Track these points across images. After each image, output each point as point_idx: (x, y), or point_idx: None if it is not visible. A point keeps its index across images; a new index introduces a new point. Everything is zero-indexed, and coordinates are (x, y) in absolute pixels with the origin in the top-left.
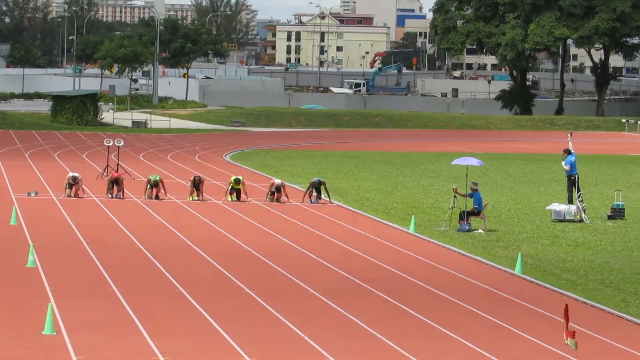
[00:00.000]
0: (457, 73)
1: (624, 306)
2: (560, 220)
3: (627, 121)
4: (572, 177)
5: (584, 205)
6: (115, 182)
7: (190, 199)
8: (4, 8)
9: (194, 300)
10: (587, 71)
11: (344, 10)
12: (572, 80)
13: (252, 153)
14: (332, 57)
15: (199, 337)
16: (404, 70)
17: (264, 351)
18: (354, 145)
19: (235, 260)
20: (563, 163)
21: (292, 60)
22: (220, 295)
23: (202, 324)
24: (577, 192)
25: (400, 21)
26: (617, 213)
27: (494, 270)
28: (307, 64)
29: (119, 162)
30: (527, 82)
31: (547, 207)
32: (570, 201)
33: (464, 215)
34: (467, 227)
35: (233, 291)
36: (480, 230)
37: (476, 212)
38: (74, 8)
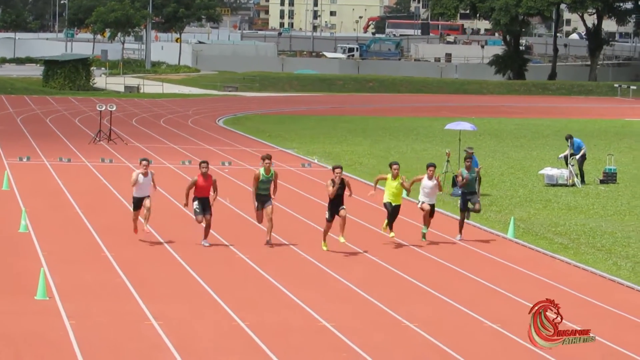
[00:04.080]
0: (450, 37)
1: (615, 269)
2: (553, 185)
3: (620, 86)
4: (583, 154)
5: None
6: None
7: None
8: None
9: (187, 265)
10: (575, 36)
11: None
12: (566, 45)
13: (245, 118)
14: (326, 21)
15: (192, 301)
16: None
17: (258, 315)
18: (347, 110)
19: (226, 225)
20: (568, 149)
21: (286, 25)
22: (214, 260)
23: (195, 289)
24: (570, 157)
25: None
26: (609, 177)
27: (486, 234)
28: (300, 28)
29: (112, 127)
30: (521, 47)
31: (540, 172)
32: (583, 177)
33: (457, 181)
34: (459, 191)
35: (226, 256)
36: None
37: None
38: None
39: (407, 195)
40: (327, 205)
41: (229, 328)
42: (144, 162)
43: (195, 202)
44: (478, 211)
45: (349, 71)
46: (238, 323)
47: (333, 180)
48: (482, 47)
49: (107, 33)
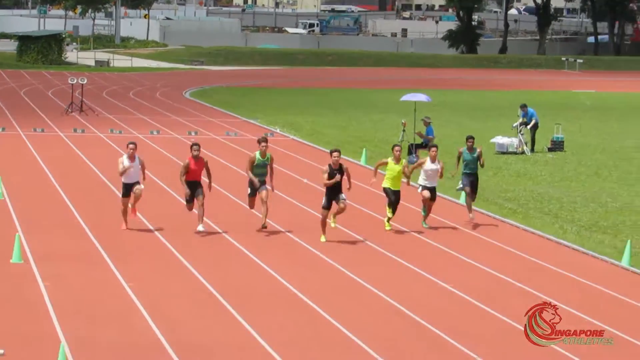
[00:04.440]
0: (406, 14)
1: (562, 233)
2: (503, 153)
3: (567, 59)
4: (535, 123)
5: (524, 137)
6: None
7: None
8: None
9: (159, 234)
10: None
11: None
12: (516, 21)
13: (212, 90)
14: None
15: (163, 267)
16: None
17: (225, 280)
18: (308, 83)
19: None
20: (520, 119)
21: (249, 2)
22: (186, 230)
23: (166, 256)
24: (520, 126)
25: None
26: (556, 145)
27: (441, 199)
28: (263, 5)
29: (83, 100)
30: (473, 23)
31: (492, 140)
32: (534, 145)
33: (413, 148)
34: (415, 160)
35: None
36: None
37: (424, 145)
38: None
39: (408, 183)
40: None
41: (196, 290)
42: (131, 146)
43: (187, 190)
44: (474, 194)
45: (309, 46)
46: (204, 284)
47: (330, 166)
48: (437, 22)
49: (79, 9)
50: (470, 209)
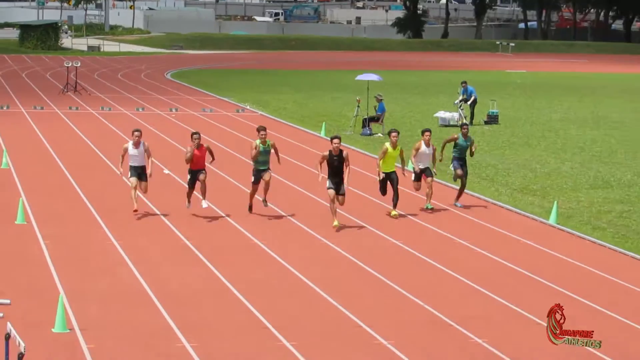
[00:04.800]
0: (359, 3)
1: (497, 195)
2: (446, 125)
3: (501, 43)
4: (474, 99)
5: (464, 112)
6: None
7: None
8: None
9: (149, 202)
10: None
11: None
12: (456, 10)
13: (189, 72)
14: None
15: (152, 231)
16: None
17: (205, 240)
18: (274, 65)
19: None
20: (460, 95)
21: None
22: (172, 195)
23: (155, 221)
24: (460, 102)
25: None
26: (492, 119)
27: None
28: None
29: (77, 81)
30: (418, 11)
31: (435, 115)
32: (472, 118)
33: (366, 122)
34: (368, 132)
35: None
36: (379, 134)
37: (376, 119)
38: None
39: (403, 172)
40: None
41: (177, 247)
42: (136, 133)
43: (189, 177)
44: (461, 175)
45: (275, 32)
46: (185, 243)
47: (330, 152)
48: (387, 11)
49: (72, 1)
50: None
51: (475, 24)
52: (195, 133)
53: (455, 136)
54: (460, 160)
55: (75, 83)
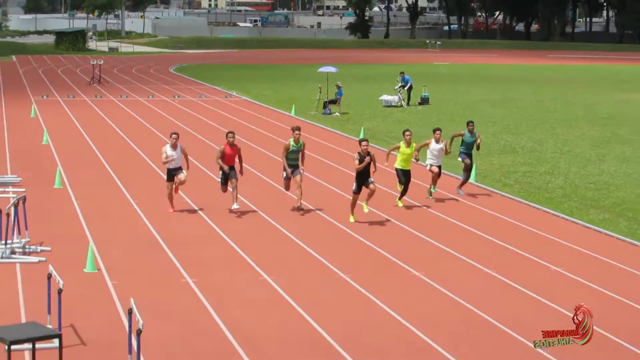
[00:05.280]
0: (320, 12)
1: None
2: (388, 106)
3: (430, 42)
4: (410, 85)
5: (402, 95)
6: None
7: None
8: None
9: (155, 167)
10: (376, 8)
11: None
12: (395, 16)
13: (188, 67)
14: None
15: (160, 189)
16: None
17: (204, 201)
18: (254, 61)
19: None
20: (399, 82)
21: (212, 5)
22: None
23: (162, 181)
24: (399, 88)
25: None
26: (424, 101)
27: (346, 138)
28: (222, 7)
29: (101, 75)
30: (366, 17)
31: (380, 98)
32: (409, 101)
33: (326, 104)
34: (328, 112)
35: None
36: (337, 114)
37: (334, 101)
38: None
39: (417, 161)
40: (354, 177)
41: (180, 204)
42: (174, 136)
43: (221, 173)
44: (470, 165)
45: (254, 35)
46: (187, 201)
47: (360, 154)
48: (341, 17)
49: (96, 13)
50: (461, 185)
51: (410, 27)
52: (230, 132)
53: (462, 132)
54: (467, 155)
55: (99, 77)
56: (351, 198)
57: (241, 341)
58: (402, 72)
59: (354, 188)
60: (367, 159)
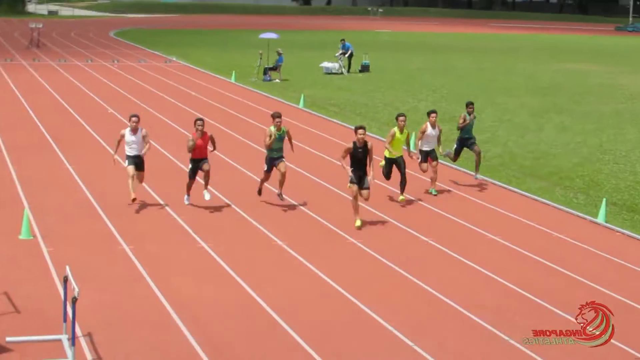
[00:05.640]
0: None
1: (369, 128)
2: (329, 73)
3: (372, 9)
4: (351, 52)
5: (343, 62)
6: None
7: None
8: None
9: (92, 131)
10: None
11: None
12: None
13: (129, 31)
14: None
15: (101, 158)
16: None
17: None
18: (195, 26)
19: (118, 101)
20: (340, 50)
21: None
22: (107, 123)
23: (101, 149)
24: (340, 55)
25: None
26: (364, 68)
27: (287, 105)
28: None
29: (39, 38)
30: None
31: (320, 65)
32: (349, 68)
33: (267, 71)
34: (268, 78)
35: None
36: (277, 80)
37: (274, 68)
38: None
39: (409, 154)
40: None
41: (118, 169)
42: (134, 119)
43: (191, 165)
44: (479, 153)
45: (197, 0)
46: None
47: (355, 143)
48: None
49: None
50: (476, 170)
51: None
52: (199, 119)
53: (465, 116)
54: (469, 139)
55: (37, 40)
56: (351, 194)
57: (177, 309)
58: (343, 39)
59: (350, 178)
60: (370, 146)
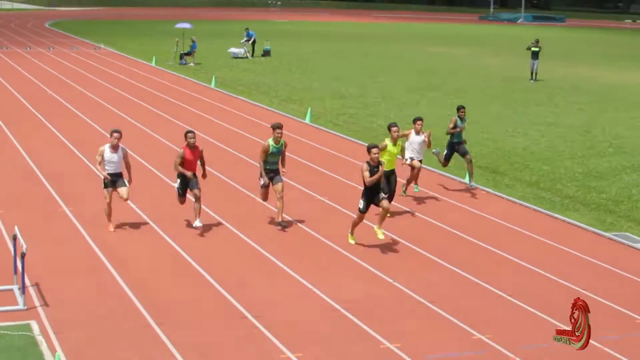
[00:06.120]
0: None
1: (270, 103)
2: (236, 57)
3: (271, 2)
4: (254, 39)
5: (247, 48)
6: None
7: None
8: None
9: (32, 108)
10: None
11: None
12: None
13: (63, 22)
14: None
15: (39, 127)
16: None
17: (68, 131)
18: (120, 17)
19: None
20: (245, 37)
21: None
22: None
23: (37, 120)
24: (245, 41)
25: None
26: (266, 53)
27: (201, 85)
28: None
29: None
30: None
31: (228, 50)
32: (253, 53)
33: (182, 56)
34: (184, 62)
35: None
36: (192, 64)
37: (189, 53)
38: None
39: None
40: (362, 192)
41: (52, 137)
42: (116, 134)
43: (179, 181)
44: (470, 161)
45: None
46: (50, 128)
47: (369, 163)
48: None
49: None
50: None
51: None
52: (190, 132)
53: (455, 120)
54: (460, 143)
55: None
56: (355, 217)
57: (112, 260)
58: (247, 28)
59: (360, 206)
60: (381, 169)
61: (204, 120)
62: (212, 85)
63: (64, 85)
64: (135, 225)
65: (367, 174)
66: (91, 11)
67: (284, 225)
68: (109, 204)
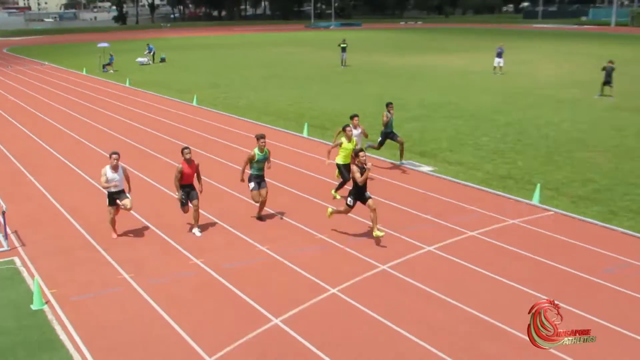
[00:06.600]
0: (95, 9)
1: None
2: (142, 65)
3: (163, 24)
4: (154, 51)
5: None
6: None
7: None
8: None
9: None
10: None
11: None
12: (142, 6)
13: (16, 48)
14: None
15: (25, 115)
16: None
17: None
18: (57, 42)
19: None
20: (147, 50)
21: (26, 4)
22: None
23: (23, 109)
24: (147, 53)
25: None
26: (163, 60)
27: (119, 85)
28: (34, 9)
29: None
30: (124, 11)
31: (136, 60)
32: (153, 60)
33: (104, 66)
34: (105, 70)
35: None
36: (111, 71)
37: (109, 64)
38: None
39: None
40: (350, 190)
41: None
42: (114, 156)
43: (181, 192)
44: (402, 143)
45: (56, 26)
46: (24, 106)
47: (357, 166)
48: (108, 12)
49: None
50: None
51: (150, 15)
52: (186, 148)
53: (386, 114)
54: (391, 133)
55: None
56: (343, 209)
57: (69, 210)
58: (148, 44)
59: (348, 202)
60: (369, 166)
61: (120, 108)
62: (127, 84)
63: (20, 93)
64: (87, 186)
65: (357, 175)
66: (37, 39)
67: (261, 218)
68: (113, 218)
